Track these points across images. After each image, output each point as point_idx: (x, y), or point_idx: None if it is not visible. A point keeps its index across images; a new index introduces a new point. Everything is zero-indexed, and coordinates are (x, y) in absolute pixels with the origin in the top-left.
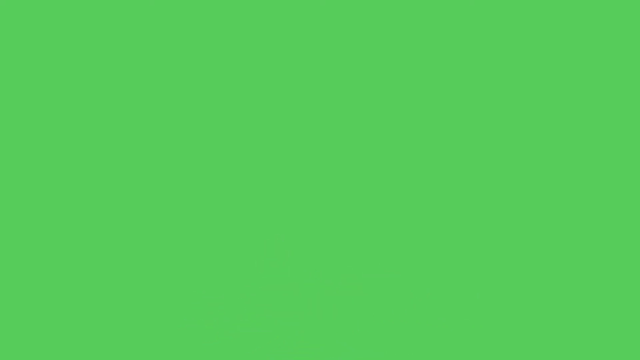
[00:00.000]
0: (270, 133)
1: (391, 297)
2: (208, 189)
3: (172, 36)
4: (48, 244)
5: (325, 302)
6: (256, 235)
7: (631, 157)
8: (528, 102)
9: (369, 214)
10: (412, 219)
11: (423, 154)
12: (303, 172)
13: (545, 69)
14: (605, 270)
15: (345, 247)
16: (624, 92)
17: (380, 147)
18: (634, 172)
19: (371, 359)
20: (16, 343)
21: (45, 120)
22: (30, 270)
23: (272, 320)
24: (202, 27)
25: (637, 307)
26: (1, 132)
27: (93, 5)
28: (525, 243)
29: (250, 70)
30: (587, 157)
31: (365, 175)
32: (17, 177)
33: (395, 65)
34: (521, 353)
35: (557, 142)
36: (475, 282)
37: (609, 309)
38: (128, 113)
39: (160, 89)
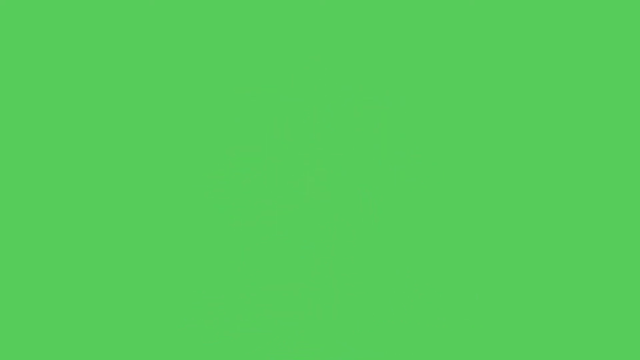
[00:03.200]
0: (269, 132)
1: (391, 296)
2: (207, 187)
3: (171, 36)
4: (48, 244)
5: (325, 302)
6: (256, 234)
7: (631, 157)
8: (528, 102)
9: (369, 212)
10: (412, 218)
11: (422, 152)
12: (303, 170)
13: (545, 69)
14: (605, 270)
15: (344, 247)
16: (624, 92)
17: (378, 146)
18: (634, 172)
19: (371, 359)
20: (16, 343)
21: (44, 120)
22: (30, 270)
23: (272, 320)
24: (201, 26)
25: (637, 307)
26: (1, 132)
27: (93, 5)
28: (524, 243)
29: (250, 69)
30: (587, 157)
31: (365, 173)
32: (16, 177)
33: (394, 64)
34: (521, 353)
35: (556, 142)
36: (475, 281)
37: (608, 309)
38: (128, 113)
39: (159, 88)
